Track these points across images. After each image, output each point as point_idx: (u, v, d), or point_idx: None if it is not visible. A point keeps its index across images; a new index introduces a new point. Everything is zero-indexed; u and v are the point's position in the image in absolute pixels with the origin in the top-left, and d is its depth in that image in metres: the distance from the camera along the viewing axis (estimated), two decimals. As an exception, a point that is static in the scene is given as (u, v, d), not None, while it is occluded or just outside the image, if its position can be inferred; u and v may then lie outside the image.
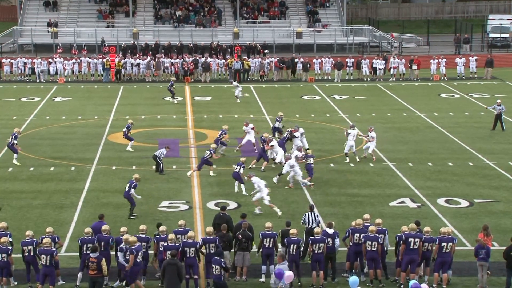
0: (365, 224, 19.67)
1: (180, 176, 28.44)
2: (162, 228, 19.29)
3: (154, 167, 28.90)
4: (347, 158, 30.32)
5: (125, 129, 32.09)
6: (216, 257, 18.18)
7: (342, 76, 50.03)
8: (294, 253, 18.93)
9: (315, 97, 44.34)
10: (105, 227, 19.34)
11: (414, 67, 50.17)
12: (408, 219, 22.72)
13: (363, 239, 19.00)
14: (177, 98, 42.78)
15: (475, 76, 50.83)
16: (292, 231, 19.16)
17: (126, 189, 23.86)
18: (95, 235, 19.06)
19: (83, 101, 42.97)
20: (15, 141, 30.12)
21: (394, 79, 50.07)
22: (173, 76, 48.03)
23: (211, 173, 28.28)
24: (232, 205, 24.84)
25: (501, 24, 63.68)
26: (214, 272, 18.05)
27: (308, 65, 50.32)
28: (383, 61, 50.27)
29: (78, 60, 50.23)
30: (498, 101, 36.41)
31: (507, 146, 32.99)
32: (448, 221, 23.33)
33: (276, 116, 33.50)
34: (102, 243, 18.84)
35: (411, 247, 18.73)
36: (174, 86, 43.15)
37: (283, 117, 33.10)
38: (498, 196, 26.06)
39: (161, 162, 28.59)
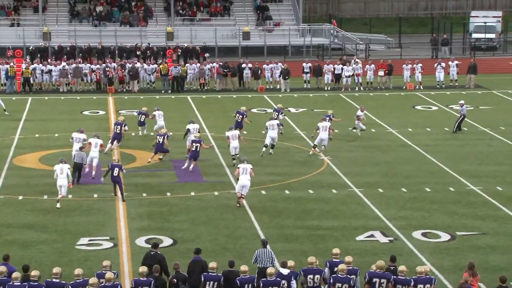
0: (334, 260, 19.78)
1: (103, 207, 28.26)
2: (78, 271, 19.06)
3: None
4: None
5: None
6: None
7: (297, 85, 50.42)
8: None
9: (266, 110, 44.53)
10: (1, 268, 19.05)
11: (381, 73, 50.83)
12: (379, 256, 22.87)
13: (331, 280, 19.08)
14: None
15: (456, 84, 51.73)
16: (243, 268, 19.19)
17: (115, 174, 28.40)
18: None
19: (-18, 116, 42.45)
20: None
21: (361, 88, 50.65)
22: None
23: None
24: (166, 241, 24.77)
25: (485, 23, 64.98)
26: None
27: (259, 72, 50.61)
28: (350, 68, 50.70)
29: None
30: (461, 102, 39.69)
31: (495, 168, 33.58)
32: (426, 258, 23.57)
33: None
34: None
35: (377, 288, 18.91)
36: None
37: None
38: (485, 227, 26.45)
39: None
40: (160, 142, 33.22)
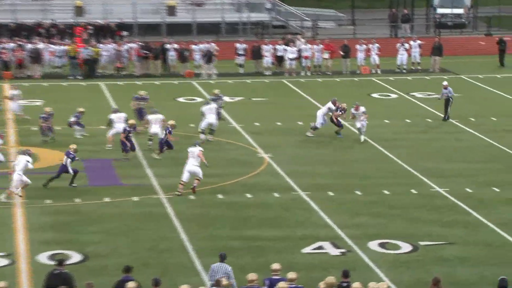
0: (274, 277, 19.71)
1: (-2, 216, 27.92)
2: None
3: None
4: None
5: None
6: None
7: (232, 69, 50.37)
8: None
9: (195, 99, 44.39)
10: None
11: (326, 55, 51.00)
12: (328, 271, 22.95)
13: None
14: None
15: (418, 68, 52.15)
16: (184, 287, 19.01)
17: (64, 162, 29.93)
18: None
19: None
20: None
21: (309, 73, 50.77)
22: None
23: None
24: (75, 257, 24.53)
25: (452, -4, 65.65)
26: None
27: (186, 53, 50.40)
28: (294, 49, 50.76)
29: None
30: (445, 83, 40.30)
31: (463, 166, 33.91)
32: (384, 273, 23.68)
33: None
34: None
35: (327, 309, 18.93)
36: None
37: None
38: (452, 235, 26.65)
39: None
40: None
